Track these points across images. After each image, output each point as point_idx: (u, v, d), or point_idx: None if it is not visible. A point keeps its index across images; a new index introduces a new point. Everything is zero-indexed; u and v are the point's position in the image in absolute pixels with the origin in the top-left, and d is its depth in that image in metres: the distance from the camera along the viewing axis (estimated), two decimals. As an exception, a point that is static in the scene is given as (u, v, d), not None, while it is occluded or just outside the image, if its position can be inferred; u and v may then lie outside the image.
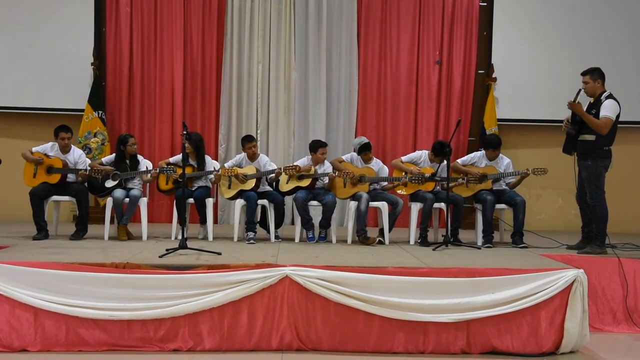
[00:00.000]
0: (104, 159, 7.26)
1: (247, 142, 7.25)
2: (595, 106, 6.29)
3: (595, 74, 6.37)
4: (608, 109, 6.18)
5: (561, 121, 6.65)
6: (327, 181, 7.12)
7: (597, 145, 6.22)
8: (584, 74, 6.43)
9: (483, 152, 7.38)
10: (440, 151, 7.07)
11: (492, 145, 7.30)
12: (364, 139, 7.42)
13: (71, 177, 7.03)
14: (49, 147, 7.08)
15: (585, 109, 6.36)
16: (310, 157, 7.30)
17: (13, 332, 4.97)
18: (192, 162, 7.21)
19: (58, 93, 9.13)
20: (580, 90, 6.33)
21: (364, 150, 7.22)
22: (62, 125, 7.11)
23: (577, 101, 6.30)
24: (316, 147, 7.26)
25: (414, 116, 9.46)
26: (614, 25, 9.28)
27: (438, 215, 7.40)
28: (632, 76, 9.19)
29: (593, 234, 6.38)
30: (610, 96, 6.28)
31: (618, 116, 6.24)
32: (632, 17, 9.31)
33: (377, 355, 5.09)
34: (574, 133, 6.38)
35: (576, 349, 5.23)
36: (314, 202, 7.09)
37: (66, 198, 7.01)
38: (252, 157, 7.25)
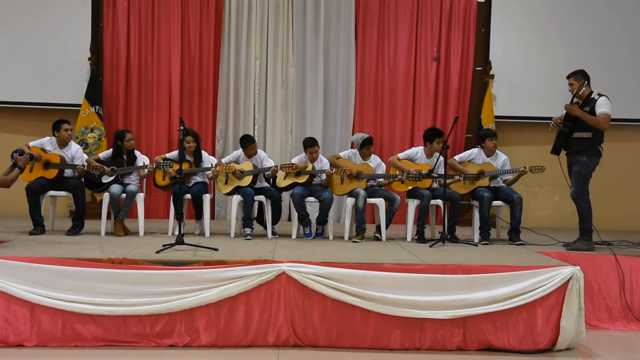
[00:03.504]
0: (101, 155, 7.26)
1: (249, 143, 7.22)
2: (587, 105, 6.33)
3: (579, 76, 6.44)
4: (604, 106, 6.24)
5: (559, 119, 6.68)
6: (324, 177, 7.11)
7: (594, 142, 6.29)
8: (568, 76, 6.50)
9: (480, 148, 7.39)
10: (429, 136, 7.14)
11: (490, 135, 7.36)
12: (365, 134, 7.42)
13: (68, 172, 7.01)
14: (46, 142, 7.06)
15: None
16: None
17: (9, 327, 4.95)
18: (189, 158, 7.20)
19: (55, 88, 9.13)
20: (578, 91, 6.35)
21: (366, 145, 7.21)
22: (62, 119, 7.12)
23: (574, 100, 6.34)
24: (305, 146, 7.28)
25: (411, 113, 9.47)
26: (612, 22, 9.31)
27: (435, 212, 7.41)
28: (630, 73, 9.22)
29: (581, 230, 6.41)
30: (601, 94, 6.33)
31: None
32: (630, 13, 9.34)
33: (373, 352, 5.08)
34: (568, 131, 6.40)
35: (572, 346, 5.23)
36: (311, 199, 7.09)
37: (63, 193, 7.00)
38: (251, 155, 7.24)
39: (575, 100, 6.39)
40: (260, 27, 9.35)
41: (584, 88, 6.34)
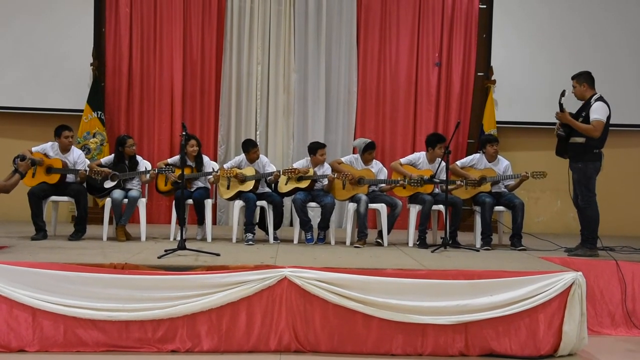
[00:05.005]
0: (103, 160, 7.26)
1: (251, 147, 7.23)
2: (585, 109, 6.32)
3: (581, 78, 6.41)
4: (597, 112, 6.19)
5: (560, 124, 6.68)
6: (326, 182, 7.12)
7: (588, 147, 6.24)
8: (572, 78, 6.49)
9: (482, 154, 7.40)
10: (431, 141, 7.13)
11: (491, 140, 7.37)
12: (367, 139, 7.43)
13: (70, 178, 7.02)
14: (49, 147, 7.07)
15: (575, 111, 6.39)
16: (309, 158, 7.29)
17: (11, 332, 4.96)
18: (190, 163, 7.21)
19: (57, 93, 9.14)
20: (562, 93, 6.29)
21: (368, 150, 7.23)
22: (64, 125, 7.13)
23: (563, 108, 6.29)
24: (315, 148, 7.26)
25: (413, 118, 9.46)
26: (614, 28, 9.29)
27: (437, 217, 7.40)
28: (633, 79, 9.20)
29: (584, 237, 6.39)
30: (599, 99, 6.29)
31: (609, 118, 6.24)
32: (633, 19, 9.31)
33: (375, 357, 5.09)
34: (564, 136, 6.39)
35: (574, 352, 5.23)
36: (313, 204, 7.09)
37: (65, 198, 7.00)
38: (253, 160, 7.24)
39: (562, 103, 6.33)
40: (262, 32, 9.36)
41: (564, 96, 6.25)
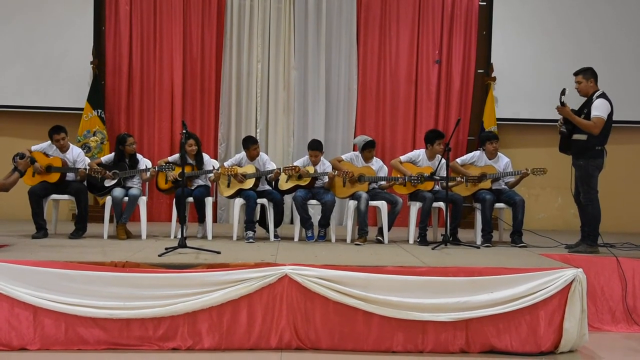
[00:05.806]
0: (103, 158, 7.26)
1: (251, 144, 7.23)
2: (587, 105, 6.28)
3: (588, 74, 6.35)
4: (598, 109, 6.14)
5: (560, 121, 6.67)
6: (326, 180, 7.12)
7: (589, 144, 6.20)
8: (576, 73, 6.43)
9: (482, 151, 7.39)
10: (429, 138, 7.14)
11: (490, 138, 7.36)
12: (368, 137, 7.42)
13: (70, 176, 7.02)
14: (47, 146, 7.07)
15: (578, 107, 6.37)
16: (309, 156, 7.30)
17: (12, 331, 4.97)
18: (190, 161, 7.21)
19: (57, 92, 9.13)
20: (563, 91, 6.23)
21: (368, 148, 7.22)
22: (54, 127, 7.08)
23: (563, 102, 6.26)
24: (308, 148, 7.27)
25: (413, 115, 9.46)
26: (616, 24, 9.28)
27: (437, 214, 7.40)
28: (634, 75, 9.19)
29: (585, 233, 6.38)
30: (601, 95, 6.25)
31: (611, 115, 6.21)
32: (634, 15, 9.30)
33: (376, 354, 5.09)
34: (567, 133, 6.37)
35: (575, 349, 5.24)
36: (313, 201, 7.09)
37: (65, 197, 7.01)
38: (253, 157, 7.25)
39: (563, 102, 6.31)
40: (262, 30, 9.36)
41: (564, 95, 6.20)
